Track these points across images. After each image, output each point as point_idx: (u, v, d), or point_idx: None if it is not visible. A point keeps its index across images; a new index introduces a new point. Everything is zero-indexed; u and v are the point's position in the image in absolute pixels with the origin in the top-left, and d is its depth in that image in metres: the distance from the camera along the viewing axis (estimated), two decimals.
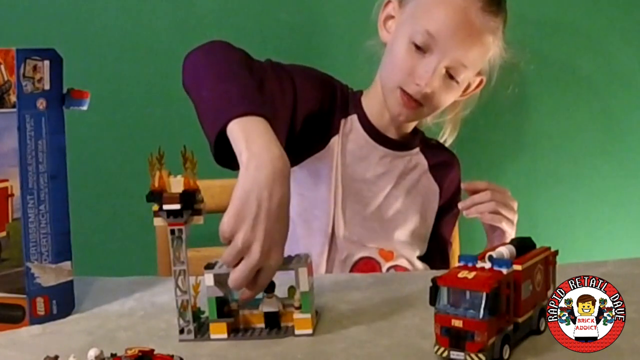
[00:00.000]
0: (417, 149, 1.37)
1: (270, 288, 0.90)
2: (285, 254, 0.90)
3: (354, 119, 1.32)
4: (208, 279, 0.89)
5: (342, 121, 1.31)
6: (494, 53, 1.29)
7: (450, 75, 1.24)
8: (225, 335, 0.89)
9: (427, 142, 1.40)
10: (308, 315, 0.88)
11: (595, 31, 1.65)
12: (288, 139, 1.20)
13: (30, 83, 0.95)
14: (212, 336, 0.89)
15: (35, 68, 0.95)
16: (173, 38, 1.61)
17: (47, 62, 0.96)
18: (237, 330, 0.90)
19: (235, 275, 0.87)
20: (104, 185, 1.66)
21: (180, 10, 1.62)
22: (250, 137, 0.92)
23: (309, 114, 1.25)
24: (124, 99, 1.63)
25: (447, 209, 1.40)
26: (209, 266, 0.90)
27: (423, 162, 1.37)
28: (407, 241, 1.33)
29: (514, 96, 1.66)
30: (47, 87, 0.96)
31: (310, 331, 0.88)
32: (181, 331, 0.89)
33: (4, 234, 0.95)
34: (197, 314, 0.91)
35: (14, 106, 0.94)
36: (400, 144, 1.34)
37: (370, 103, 1.33)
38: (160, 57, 1.61)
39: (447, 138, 1.43)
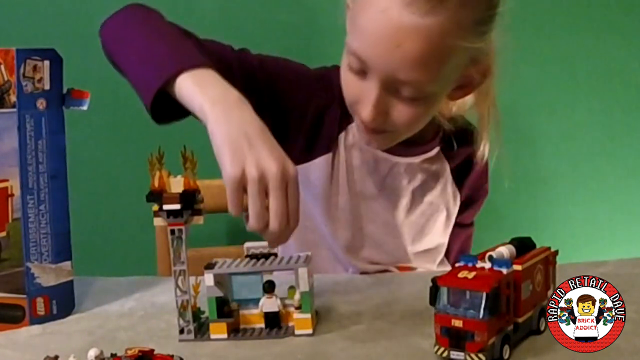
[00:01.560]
0: (435, 150, 1.16)
1: (271, 288, 0.90)
2: None
3: (354, 127, 1.12)
4: (208, 279, 0.89)
5: (342, 135, 1.13)
6: (473, 45, 0.99)
7: (403, 96, 0.99)
8: (225, 335, 0.89)
9: (451, 136, 1.17)
10: (308, 315, 0.88)
11: (595, 31, 1.65)
12: None
13: (30, 83, 0.95)
14: (212, 336, 0.89)
15: (35, 68, 0.95)
16: None
17: (47, 62, 0.96)
18: (237, 330, 0.90)
19: (274, 212, 0.81)
20: (104, 185, 1.66)
21: (180, 10, 1.62)
22: (204, 87, 0.89)
23: (275, 115, 1.08)
24: (124, 99, 1.62)
25: (471, 201, 1.24)
26: (209, 266, 0.90)
27: (444, 166, 1.18)
28: (425, 251, 1.20)
29: (514, 96, 1.67)
30: (47, 87, 0.96)
31: (310, 331, 0.88)
32: (181, 331, 0.89)
33: (4, 234, 0.95)
34: (197, 314, 0.91)
35: (14, 106, 0.94)
36: (413, 148, 1.14)
37: None
38: None
39: (485, 141, 1.16)
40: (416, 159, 1.16)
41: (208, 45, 1.09)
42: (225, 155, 0.83)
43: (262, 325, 0.90)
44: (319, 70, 1.17)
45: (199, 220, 0.88)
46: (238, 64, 1.11)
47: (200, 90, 0.89)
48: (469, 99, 1.13)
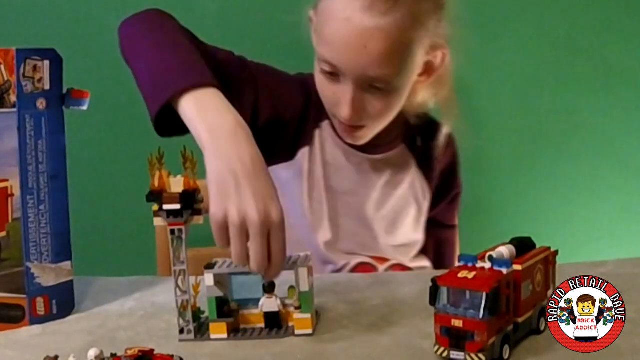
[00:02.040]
0: (401, 147, 1.25)
1: (271, 288, 0.90)
2: None
3: (325, 126, 1.21)
4: (208, 279, 0.89)
5: (317, 132, 1.20)
6: (431, 32, 1.09)
7: (376, 88, 1.09)
8: (225, 335, 0.89)
9: (414, 131, 1.25)
10: (308, 315, 0.88)
11: (595, 31, 1.65)
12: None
13: (30, 83, 0.95)
14: (212, 336, 0.89)
15: (35, 68, 0.95)
16: None
17: (47, 62, 0.96)
18: (237, 330, 0.90)
19: (253, 256, 0.84)
20: (104, 185, 1.66)
21: (180, 10, 1.61)
22: (204, 112, 0.90)
23: (270, 119, 1.15)
24: (124, 99, 1.63)
25: (444, 196, 1.30)
26: (209, 266, 0.90)
27: (409, 160, 1.25)
28: (400, 246, 1.25)
29: (514, 96, 1.67)
30: (47, 87, 0.96)
31: (310, 331, 0.88)
32: (181, 331, 0.89)
33: (4, 234, 0.95)
34: (197, 314, 0.91)
35: (14, 106, 0.94)
36: (380, 146, 1.22)
37: None
38: None
39: (446, 116, 1.25)
40: (383, 156, 1.23)
41: (213, 52, 1.13)
42: (212, 195, 0.85)
43: (262, 325, 0.90)
44: (298, 75, 1.24)
45: (199, 220, 0.88)
46: (241, 69, 1.16)
47: (199, 115, 0.91)
48: (431, 96, 1.22)
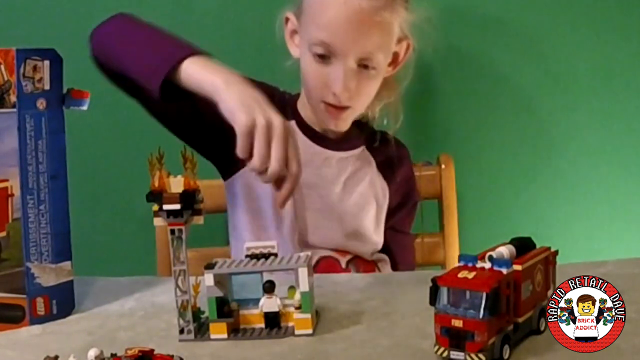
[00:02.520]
0: (362, 148, 1.33)
1: (271, 288, 0.90)
2: None
3: (292, 125, 1.28)
4: (208, 279, 0.89)
5: None
6: (403, 17, 1.22)
7: (364, 66, 1.21)
8: (225, 335, 0.89)
9: (373, 137, 1.35)
10: (308, 315, 0.88)
11: (595, 31, 1.65)
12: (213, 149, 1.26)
13: (30, 83, 0.95)
14: (212, 336, 0.89)
15: (35, 68, 0.95)
16: None
17: (47, 62, 0.96)
18: (237, 331, 0.90)
19: (275, 155, 0.95)
20: (104, 185, 1.66)
21: (180, 10, 1.62)
22: (212, 68, 1.04)
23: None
24: (124, 99, 1.62)
25: (402, 204, 1.37)
26: (209, 266, 0.90)
27: (370, 160, 1.33)
28: (360, 241, 1.30)
29: (514, 96, 1.67)
30: (47, 87, 0.96)
31: (310, 331, 0.88)
32: (181, 331, 0.89)
33: (4, 234, 0.95)
34: (197, 314, 0.91)
35: (14, 106, 0.94)
36: (342, 144, 1.31)
37: (305, 107, 1.31)
38: None
39: (391, 123, 1.36)
40: (345, 154, 1.31)
41: None
42: (239, 110, 0.97)
43: (262, 325, 0.90)
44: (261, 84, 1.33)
45: (199, 220, 0.89)
46: None
47: (209, 70, 1.04)
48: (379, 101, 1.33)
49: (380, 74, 1.25)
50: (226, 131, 1.00)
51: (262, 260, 0.90)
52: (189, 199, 0.87)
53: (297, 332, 0.88)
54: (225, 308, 0.90)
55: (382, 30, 1.20)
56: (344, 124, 1.27)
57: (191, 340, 0.89)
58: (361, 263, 1.31)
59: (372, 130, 1.37)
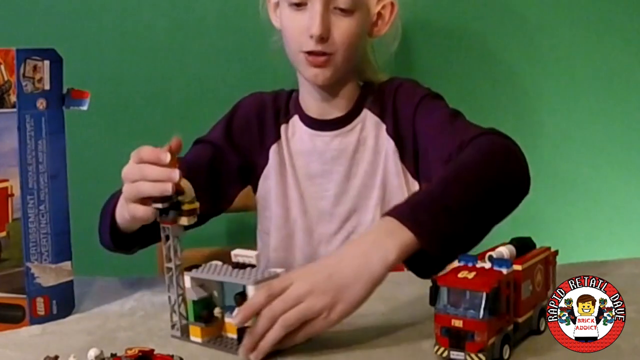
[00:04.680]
0: (364, 111, 1.29)
1: (243, 299, 0.86)
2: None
3: (295, 120, 1.30)
4: (187, 280, 0.89)
5: (283, 127, 1.30)
6: None
7: (340, 9, 1.19)
8: (199, 339, 0.88)
9: (372, 91, 1.29)
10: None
11: (595, 31, 1.65)
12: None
13: (30, 83, 0.95)
14: (192, 338, 0.89)
15: (35, 68, 0.95)
16: (173, 38, 1.61)
17: (47, 62, 0.96)
18: (217, 337, 0.89)
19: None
20: (104, 185, 1.65)
21: (180, 10, 1.62)
22: None
23: (241, 157, 1.28)
24: (124, 99, 1.63)
25: (418, 148, 1.25)
26: (190, 268, 0.90)
27: (373, 119, 1.28)
28: (373, 219, 1.25)
29: (514, 96, 1.67)
30: (47, 87, 0.96)
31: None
32: (172, 326, 0.91)
33: (4, 234, 0.95)
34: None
35: (14, 106, 0.94)
36: (346, 117, 1.28)
37: (303, 94, 1.30)
38: (160, 57, 1.61)
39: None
40: (349, 127, 1.28)
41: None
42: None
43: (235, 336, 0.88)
44: (249, 98, 1.35)
45: (183, 221, 0.89)
46: (203, 153, 1.27)
47: None
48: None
49: (358, 21, 1.21)
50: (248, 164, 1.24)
51: (237, 270, 0.88)
52: (171, 199, 0.88)
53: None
54: (203, 312, 0.89)
55: None
56: (324, 73, 1.22)
57: (178, 337, 0.89)
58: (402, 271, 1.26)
59: (372, 86, 1.31)
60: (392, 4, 1.26)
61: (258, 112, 1.31)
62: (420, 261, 0.90)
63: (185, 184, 0.89)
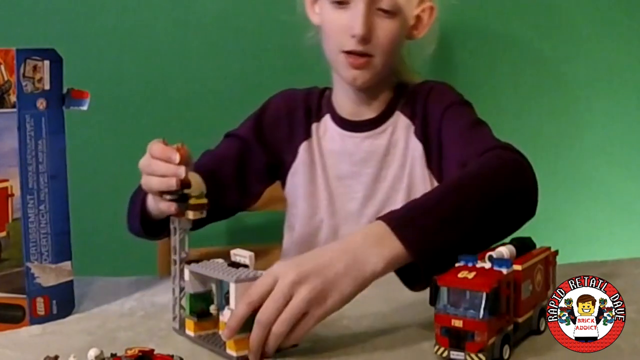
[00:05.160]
0: (396, 113, 1.27)
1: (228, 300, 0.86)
2: None
3: (327, 119, 1.29)
4: (186, 273, 0.90)
5: (315, 125, 1.30)
6: None
7: (383, 10, 1.17)
8: (192, 333, 0.88)
9: (405, 93, 1.28)
10: (243, 336, 0.82)
11: (595, 31, 1.65)
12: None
13: (30, 83, 0.95)
14: (187, 332, 0.89)
15: (35, 68, 0.95)
16: (173, 38, 1.61)
17: (47, 62, 0.96)
18: (212, 334, 0.88)
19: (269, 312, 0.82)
20: (104, 185, 1.66)
21: (180, 10, 1.62)
22: None
23: (269, 160, 1.28)
24: (124, 99, 1.63)
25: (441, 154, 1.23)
26: (191, 262, 0.91)
27: (405, 122, 1.26)
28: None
29: (514, 96, 1.67)
30: (47, 87, 0.96)
31: (233, 354, 0.82)
32: (174, 318, 0.92)
33: (4, 234, 0.95)
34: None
35: (14, 106, 0.94)
36: (378, 119, 1.27)
37: (337, 94, 1.29)
38: (160, 57, 1.62)
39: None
40: (379, 129, 1.26)
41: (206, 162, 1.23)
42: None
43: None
44: (280, 94, 1.34)
45: (188, 214, 0.90)
46: (231, 149, 1.28)
47: None
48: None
49: (399, 23, 1.20)
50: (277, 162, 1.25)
51: (230, 268, 0.87)
52: (178, 193, 0.90)
53: (227, 351, 0.83)
54: (198, 307, 0.89)
55: None
56: (363, 76, 1.20)
57: (176, 329, 0.90)
58: None
59: (406, 88, 1.29)
60: (431, 7, 1.25)
61: (288, 109, 1.30)
62: (410, 271, 0.87)
63: (195, 179, 0.91)
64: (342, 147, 1.27)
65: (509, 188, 0.97)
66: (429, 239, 0.86)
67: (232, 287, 0.82)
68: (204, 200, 0.90)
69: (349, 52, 1.19)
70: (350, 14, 1.17)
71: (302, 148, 1.28)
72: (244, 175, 1.26)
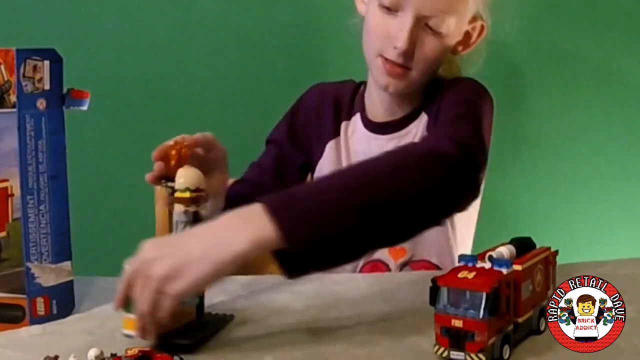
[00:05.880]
0: (422, 114, 1.24)
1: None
2: None
3: (357, 119, 1.27)
4: None
5: (344, 124, 1.28)
6: None
7: (431, 28, 1.15)
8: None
9: (433, 90, 1.23)
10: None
11: (595, 31, 1.65)
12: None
13: (30, 83, 0.95)
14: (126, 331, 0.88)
15: (35, 68, 0.95)
16: (173, 38, 1.61)
17: (47, 62, 0.96)
18: None
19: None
20: (104, 185, 1.66)
21: (180, 10, 1.62)
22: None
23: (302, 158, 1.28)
24: (124, 99, 1.63)
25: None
26: None
27: (427, 122, 1.23)
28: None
29: (514, 96, 1.67)
30: (47, 87, 0.96)
31: (131, 332, 0.84)
32: None
33: (4, 234, 0.95)
34: None
35: (14, 106, 0.94)
36: (403, 120, 1.24)
37: (370, 93, 1.27)
38: (160, 57, 1.62)
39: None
40: (406, 130, 1.24)
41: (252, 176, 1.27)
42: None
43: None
44: (312, 90, 1.34)
45: (176, 207, 0.90)
46: (272, 153, 1.30)
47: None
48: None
49: (446, 43, 1.18)
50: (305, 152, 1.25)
51: None
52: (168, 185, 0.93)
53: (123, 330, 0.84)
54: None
55: None
56: (397, 85, 1.19)
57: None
58: (418, 267, 1.22)
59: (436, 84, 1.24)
60: (482, 26, 1.22)
61: (318, 107, 1.30)
62: (289, 258, 0.82)
63: (185, 173, 0.91)
64: (367, 149, 1.23)
65: (417, 183, 0.88)
66: (307, 223, 0.81)
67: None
68: (187, 194, 0.90)
69: (386, 58, 1.17)
70: (397, 24, 1.15)
71: (329, 146, 1.27)
72: (282, 182, 1.25)
